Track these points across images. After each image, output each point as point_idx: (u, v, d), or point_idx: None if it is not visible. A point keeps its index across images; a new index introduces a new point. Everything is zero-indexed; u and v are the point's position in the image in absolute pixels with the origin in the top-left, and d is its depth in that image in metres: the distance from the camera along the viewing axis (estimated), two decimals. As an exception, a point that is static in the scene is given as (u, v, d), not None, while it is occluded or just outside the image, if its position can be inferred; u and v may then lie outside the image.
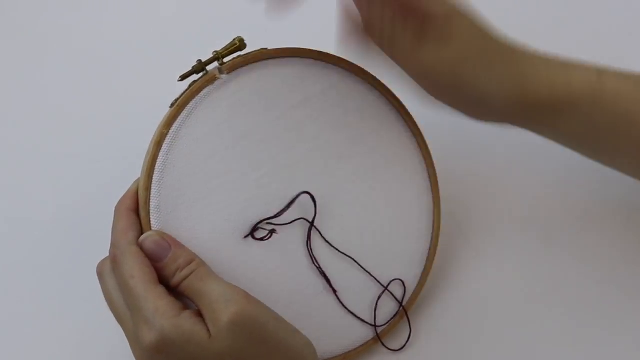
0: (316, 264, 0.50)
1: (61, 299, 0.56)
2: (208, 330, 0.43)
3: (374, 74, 0.53)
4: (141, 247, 0.45)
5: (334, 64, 0.52)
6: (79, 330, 0.55)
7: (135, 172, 0.48)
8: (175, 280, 0.45)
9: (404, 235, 0.54)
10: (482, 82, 0.48)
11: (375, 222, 0.53)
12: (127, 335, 0.45)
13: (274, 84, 0.50)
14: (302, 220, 0.50)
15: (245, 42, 0.49)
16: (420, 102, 0.51)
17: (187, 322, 0.43)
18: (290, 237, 0.50)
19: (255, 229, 0.49)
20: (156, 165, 0.47)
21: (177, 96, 0.48)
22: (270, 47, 0.50)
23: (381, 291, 0.53)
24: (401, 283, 0.53)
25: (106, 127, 0.63)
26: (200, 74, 0.48)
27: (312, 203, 0.50)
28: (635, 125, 0.50)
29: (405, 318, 0.54)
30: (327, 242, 0.51)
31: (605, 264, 0.58)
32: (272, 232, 0.49)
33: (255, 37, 0.50)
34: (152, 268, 0.45)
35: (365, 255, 0.52)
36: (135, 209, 0.47)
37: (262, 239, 0.49)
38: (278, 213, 0.49)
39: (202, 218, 0.48)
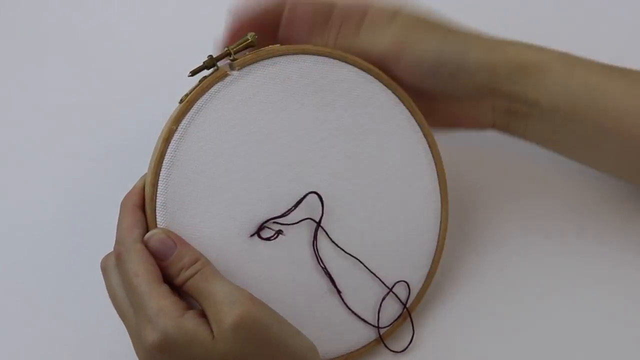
0: (322, 264, 0.51)
1: (65, 295, 0.57)
2: (211, 331, 0.43)
3: (385, 75, 0.53)
4: (146, 245, 0.46)
5: (346, 62, 0.52)
6: (81, 329, 0.56)
7: (142, 168, 0.48)
8: (179, 279, 0.45)
9: (410, 237, 0.54)
10: (440, 48, 0.53)
11: (383, 223, 0.53)
12: (129, 333, 0.46)
13: (284, 82, 0.50)
14: (308, 220, 0.50)
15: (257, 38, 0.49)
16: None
17: (190, 322, 0.43)
18: (297, 237, 0.50)
19: (261, 228, 0.49)
20: (164, 161, 0.47)
21: (186, 92, 0.48)
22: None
23: (385, 292, 0.53)
24: (406, 285, 0.54)
25: (115, 121, 0.63)
26: (211, 70, 0.48)
27: (320, 203, 0.50)
28: (609, 98, 0.52)
29: (409, 320, 0.54)
30: (333, 242, 0.51)
31: (608, 265, 0.58)
32: (279, 232, 0.49)
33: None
34: (157, 266, 0.45)
35: (371, 256, 0.52)
36: (141, 205, 0.47)
37: (268, 239, 0.49)
38: (285, 212, 0.49)
39: (209, 216, 0.48)
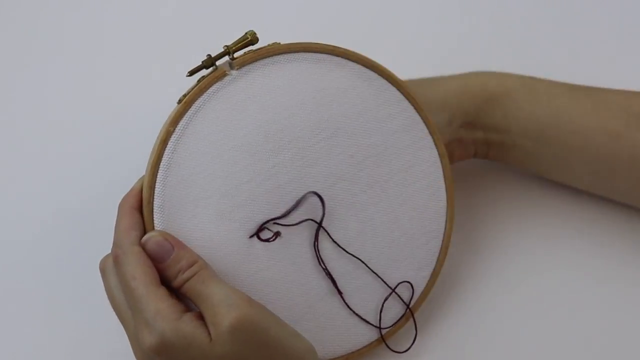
0: (323, 265, 0.51)
1: (64, 296, 0.58)
2: (209, 334, 0.44)
3: (390, 71, 0.53)
4: (143, 248, 0.46)
5: (349, 59, 0.52)
6: (80, 330, 0.57)
7: (140, 169, 0.49)
8: (177, 281, 0.46)
9: (414, 236, 0.54)
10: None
11: (386, 223, 0.53)
12: (128, 334, 0.47)
13: (285, 80, 0.50)
14: (309, 220, 0.51)
15: (257, 36, 0.49)
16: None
17: (188, 325, 0.44)
18: (297, 238, 0.51)
19: (261, 229, 0.50)
20: (161, 163, 0.48)
21: (185, 92, 0.49)
22: (283, 41, 0.50)
23: (388, 293, 0.54)
24: (409, 285, 0.54)
25: (114, 123, 0.64)
26: (210, 69, 0.49)
27: (320, 203, 0.50)
28: (575, 120, 0.54)
29: (412, 321, 0.55)
30: (335, 242, 0.52)
31: (611, 266, 0.59)
32: (277, 234, 0.50)
33: (267, 31, 0.50)
34: (154, 269, 0.46)
35: (373, 256, 0.53)
36: (139, 207, 0.48)
37: (267, 240, 0.50)
38: (285, 213, 0.50)
39: (207, 217, 0.48)
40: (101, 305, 0.49)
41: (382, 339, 0.54)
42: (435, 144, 0.55)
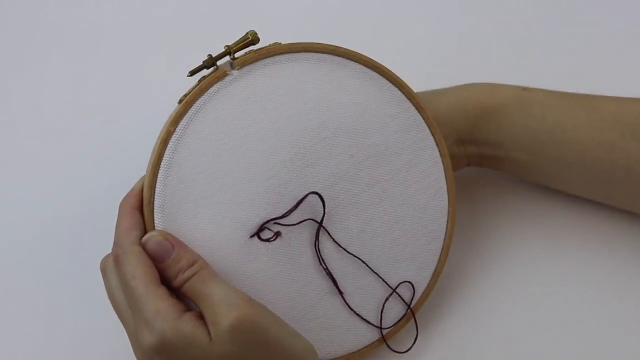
0: (323, 264, 0.52)
1: (65, 295, 0.59)
2: (209, 333, 0.45)
3: (391, 71, 0.54)
4: (144, 247, 0.47)
5: (350, 59, 0.52)
6: (81, 330, 0.58)
7: (141, 169, 0.49)
8: (177, 281, 0.47)
9: (416, 236, 0.55)
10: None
11: (387, 222, 0.54)
12: (128, 334, 0.48)
13: (285, 80, 0.51)
14: (310, 220, 0.51)
15: (259, 36, 0.50)
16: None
17: (187, 325, 0.45)
18: (298, 238, 0.51)
19: (262, 229, 0.50)
20: (162, 163, 0.48)
21: (186, 92, 0.49)
22: (284, 41, 0.51)
23: (389, 293, 0.54)
24: (410, 285, 0.55)
25: (115, 122, 0.65)
26: (211, 69, 0.49)
27: (321, 203, 0.51)
28: (569, 133, 0.54)
29: (413, 321, 0.55)
30: (335, 242, 0.52)
31: (609, 265, 0.59)
32: (277, 234, 0.51)
33: (268, 31, 0.51)
34: (155, 269, 0.47)
35: (374, 256, 0.53)
36: (140, 207, 0.49)
37: (267, 240, 0.50)
38: (285, 213, 0.50)
39: (208, 217, 0.49)
40: (101, 305, 0.49)
41: (383, 339, 0.55)
42: (437, 144, 0.55)
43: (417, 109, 0.54)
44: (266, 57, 0.50)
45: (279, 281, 0.51)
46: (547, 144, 0.55)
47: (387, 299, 0.54)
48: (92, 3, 0.72)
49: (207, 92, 0.49)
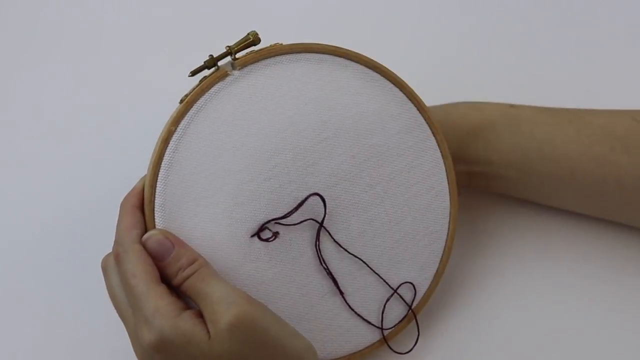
0: (324, 265, 0.53)
1: (66, 294, 0.60)
2: (208, 331, 0.46)
3: (392, 72, 0.55)
4: (144, 246, 0.49)
5: (351, 59, 0.54)
6: (82, 329, 0.59)
7: (142, 169, 0.51)
8: (177, 280, 0.48)
9: (417, 237, 0.56)
10: None
11: (388, 223, 0.55)
12: (128, 333, 0.49)
13: (287, 81, 0.52)
14: (311, 221, 0.53)
15: (260, 36, 0.51)
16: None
17: (186, 322, 0.46)
18: (299, 238, 0.53)
19: (262, 228, 0.52)
20: (162, 162, 0.50)
21: (187, 92, 0.51)
22: (285, 42, 0.53)
23: (390, 294, 0.55)
24: (411, 286, 0.56)
25: (116, 122, 0.66)
26: (212, 70, 0.51)
27: (322, 204, 0.52)
28: (559, 148, 0.56)
29: (415, 322, 0.56)
30: (336, 242, 0.53)
31: (609, 265, 0.61)
32: (275, 234, 0.52)
33: (270, 31, 0.52)
34: (155, 267, 0.48)
35: (376, 257, 0.55)
36: (141, 206, 0.50)
37: (267, 240, 0.52)
38: (287, 214, 0.52)
39: (208, 216, 0.51)
40: (102, 305, 0.51)
41: (384, 340, 0.56)
42: (439, 145, 0.56)
43: (418, 109, 0.56)
44: (267, 58, 0.52)
45: (280, 281, 0.52)
46: (537, 160, 0.56)
47: (388, 300, 0.55)
48: (92, 3, 0.74)
49: (208, 92, 0.51)
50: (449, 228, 0.57)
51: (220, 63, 0.51)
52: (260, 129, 0.52)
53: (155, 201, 0.50)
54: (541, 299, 0.60)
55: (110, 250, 0.51)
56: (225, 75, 0.51)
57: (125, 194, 0.51)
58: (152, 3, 0.73)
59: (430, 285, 0.57)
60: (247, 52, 0.52)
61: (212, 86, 0.51)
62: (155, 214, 0.50)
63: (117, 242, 0.49)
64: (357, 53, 0.54)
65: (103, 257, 0.51)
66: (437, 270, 0.57)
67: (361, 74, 0.54)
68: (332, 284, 0.54)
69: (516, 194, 0.60)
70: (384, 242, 0.55)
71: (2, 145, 0.67)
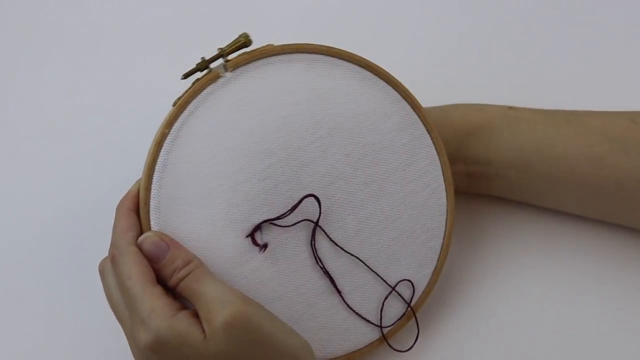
0: (320, 264, 0.54)
1: (64, 297, 0.61)
2: (203, 331, 0.47)
3: (385, 70, 0.56)
4: (140, 248, 0.50)
5: (344, 59, 0.55)
6: (80, 330, 0.60)
7: (139, 172, 0.52)
8: (172, 280, 0.50)
9: (415, 234, 0.57)
10: None
11: (385, 221, 0.56)
12: (126, 334, 0.51)
13: (279, 82, 0.53)
14: (306, 221, 0.54)
15: (251, 38, 0.52)
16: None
17: (182, 322, 0.47)
18: (295, 238, 0.54)
19: (256, 229, 0.53)
20: (156, 165, 0.51)
21: (180, 95, 0.52)
22: (283, 42, 0.54)
23: (388, 292, 0.56)
24: (410, 284, 0.57)
25: (116, 122, 0.67)
26: (204, 72, 0.52)
27: (317, 204, 0.53)
28: (557, 148, 0.56)
29: (414, 320, 0.57)
30: (332, 241, 0.54)
31: (609, 264, 0.61)
32: (265, 246, 0.53)
33: (268, 31, 0.53)
34: (150, 268, 0.50)
35: (373, 255, 0.56)
36: (136, 209, 0.52)
37: (260, 247, 0.53)
38: (281, 215, 0.53)
39: (203, 218, 0.52)
40: (101, 305, 0.52)
41: (384, 338, 0.57)
42: (434, 142, 0.57)
43: (412, 107, 0.57)
44: (259, 59, 0.53)
45: (276, 281, 0.53)
46: (536, 160, 0.57)
47: (386, 298, 0.56)
48: (92, 3, 0.75)
49: (201, 94, 0.52)
50: (446, 225, 0.58)
51: (212, 65, 0.52)
52: (254, 130, 0.53)
53: (151, 203, 0.52)
54: (541, 295, 0.61)
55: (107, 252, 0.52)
56: (217, 77, 0.52)
57: (122, 197, 0.52)
58: (152, 3, 0.74)
59: (429, 282, 0.58)
60: (239, 53, 0.53)
61: (204, 88, 0.52)
62: (151, 216, 0.52)
63: (113, 245, 0.51)
64: (349, 52, 0.55)
65: (100, 260, 0.53)
66: (435, 268, 0.58)
67: (354, 73, 0.55)
68: (330, 283, 0.55)
69: (516, 196, 0.61)
70: (380, 240, 0.56)
71: (2, 145, 0.68)
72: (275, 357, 0.49)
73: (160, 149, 0.52)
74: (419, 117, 0.57)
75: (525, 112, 0.59)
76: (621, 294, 0.60)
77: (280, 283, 0.54)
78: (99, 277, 0.52)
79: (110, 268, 0.51)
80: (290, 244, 0.54)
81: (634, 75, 0.68)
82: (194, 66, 0.52)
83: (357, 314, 0.56)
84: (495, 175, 0.59)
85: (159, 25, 0.73)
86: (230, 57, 0.53)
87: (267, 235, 0.53)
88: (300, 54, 0.54)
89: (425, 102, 0.57)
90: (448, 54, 0.71)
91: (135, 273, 0.49)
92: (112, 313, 0.52)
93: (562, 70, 0.69)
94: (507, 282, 0.61)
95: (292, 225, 0.53)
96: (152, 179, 0.52)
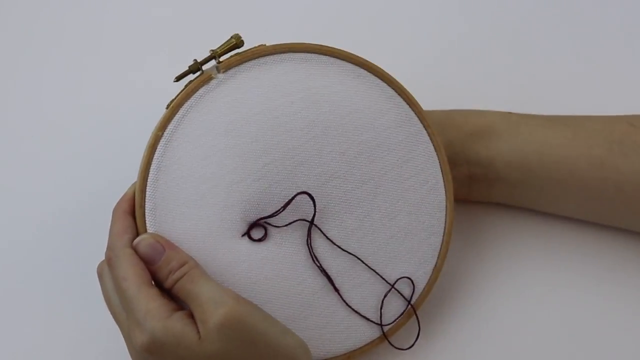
0: (317, 262, 0.56)
1: (63, 299, 0.63)
2: (198, 332, 0.49)
3: (380, 68, 0.57)
4: (135, 250, 0.52)
5: (336, 58, 0.56)
6: (78, 332, 0.62)
7: (135, 174, 0.54)
8: (168, 282, 0.52)
9: (413, 232, 0.58)
10: None
11: (383, 219, 0.57)
12: (123, 335, 0.53)
13: (272, 82, 0.55)
14: (302, 220, 0.55)
15: (243, 39, 0.54)
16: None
17: (177, 323, 0.49)
18: (291, 237, 0.55)
19: (252, 227, 0.54)
20: (151, 168, 0.53)
21: (173, 97, 0.54)
22: (281, 42, 0.55)
23: (387, 289, 0.57)
24: (409, 281, 0.58)
25: (116, 122, 0.69)
26: (196, 74, 0.54)
27: (312, 202, 0.55)
28: (557, 149, 0.58)
29: (415, 317, 0.58)
30: (329, 240, 0.56)
31: (608, 264, 0.63)
32: (265, 232, 0.55)
33: (268, 31, 0.55)
34: (146, 270, 0.52)
35: (372, 253, 0.57)
36: (132, 211, 0.54)
37: (259, 240, 0.55)
38: (275, 212, 0.54)
39: (198, 219, 0.54)
40: (100, 305, 0.54)
41: (384, 335, 0.58)
42: (431, 138, 0.58)
43: (408, 104, 0.58)
44: (251, 59, 0.55)
45: (273, 280, 0.55)
46: (536, 163, 0.59)
47: (385, 295, 0.57)
48: (92, 3, 0.77)
49: (193, 96, 0.54)
50: (445, 222, 0.59)
51: (205, 67, 0.54)
52: (247, 130, 0.54)
53: (146, 205, 0.54)
54: (542, 293, 0.62)
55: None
56: (210, 78, 0.54)
57: (118, 199, 0.54)
58: (152, 3, 0.76)
59: (429, 280, 0.59)
60: (232, 54, 0.55)
61: (197, 90, 0.54)
62: (146, 218, 0.54)
63: (109, 247, 0.53)
64: (342, 50, 0.56)
65: (99, 263, 0.55)
66: (435, 265, 0.59)
67: (347, 71, 0.57)
68: (327, 282, 0.56)
69: (516, 202, 0.63)
70: (379, 237, 0.57)
71: (1, 145, 0.70)
72: (270, 356, 0.50)
73: (154, 151, 0.54)
74: (416, 114, 0.58)
75: (524, 116, 0.61)
76: (621, 297, 0.61)
77: (277, 282, 0.55)
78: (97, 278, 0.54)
79: (108, 270, 0.53)
80: (286, 243, 0.55)
81: (634, 76, 0.70)
82: (186, 68, 0.54)
83: (356, 312, 0.57)
84: (497, 178, 0.61)
85: (158, 26, 0.75)
86: (222, 58, 0.54)
87: (260, 237, 0.55)
88: (293, 54, 0.55)
89: (425, 102, 0.59)
90: (448, 54, 0.72)
91: (131, 275, 0.51)
92: (110, 315, 0.54)
93: (561, 71, 0.70)
94: (508, 283, 0.62)
95: (287, 224, 0.55)
96: (147, 181, 0.54)
